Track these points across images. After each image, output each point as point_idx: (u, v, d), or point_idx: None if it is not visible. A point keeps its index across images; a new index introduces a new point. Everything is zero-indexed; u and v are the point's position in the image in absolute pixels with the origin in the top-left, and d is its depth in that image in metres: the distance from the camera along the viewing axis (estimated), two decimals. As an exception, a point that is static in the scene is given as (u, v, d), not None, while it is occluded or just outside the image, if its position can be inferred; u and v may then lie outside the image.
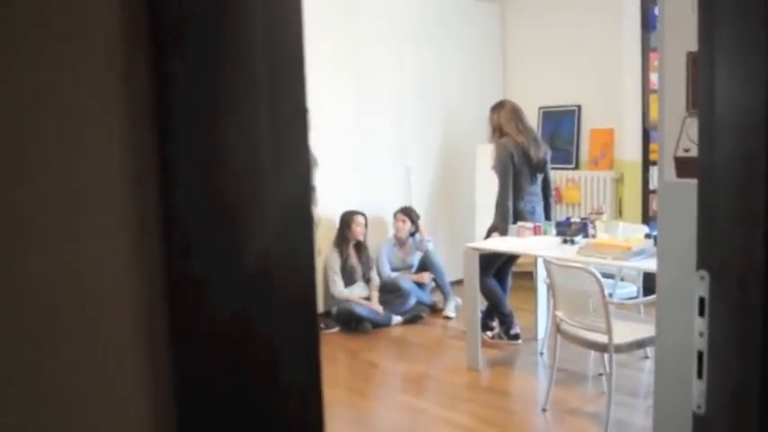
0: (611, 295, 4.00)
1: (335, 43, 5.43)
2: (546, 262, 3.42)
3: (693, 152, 1.73)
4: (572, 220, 4.24)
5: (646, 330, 3.25)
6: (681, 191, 1.75)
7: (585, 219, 4.24)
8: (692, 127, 1.71)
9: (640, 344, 3.21)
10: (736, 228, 1.11)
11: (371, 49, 5.68)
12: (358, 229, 5.33)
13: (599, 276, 3.08)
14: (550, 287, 3.52)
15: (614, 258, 3.49)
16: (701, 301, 1.15)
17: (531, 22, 6.56)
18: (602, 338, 3.14)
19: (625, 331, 3.22)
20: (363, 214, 5.41)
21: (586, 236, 4.08)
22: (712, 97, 1.11)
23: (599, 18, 5.93)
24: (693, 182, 1.83)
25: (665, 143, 1.77)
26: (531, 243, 4.11)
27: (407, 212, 5.64)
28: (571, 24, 6.17)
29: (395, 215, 5.64)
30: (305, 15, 0.62)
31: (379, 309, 5.19)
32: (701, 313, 1.15)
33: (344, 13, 5.48)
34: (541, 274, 4.61)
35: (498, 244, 4.19)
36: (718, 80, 1.10)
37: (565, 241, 4.03)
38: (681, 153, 1.74)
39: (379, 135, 5.80)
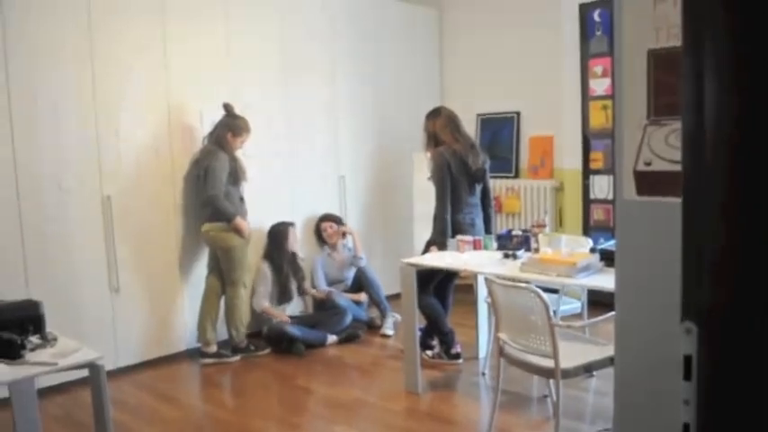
0: (554, 313, 3.80)
1: (264, 43, 5.11)
2: (487, 280, 3.17)
3: (656, 166, 1.50)
4: (513, 232, 4.03)
5: (594, 352, 3.05)
6: (642, 210, 1.52)
7: (527, 231, 4.03)
8: (655, 136, 1.48)
9: (588, 368, 3.00)
10: (734, 260, 0.86)
11: (302, 51, 5.38)
12: (292, 241, 5.02)
13: (544, 297, 2.85)
14: (492, 306, 3.28)
15: (559, 275, 3.28)
16: (687, 360, 0.91)
17: (469, 28, 6.39)
18: (549, 363, 2.91)
19: (572, 354, 3.01)
20: (294, 225, 5.10)
21: (528, 249, 3.87)
22: (700, 100, 0.86)
23: (538, 24, 5.79)
24: (657, 200, 1.61)
25: (622, 155, 1.53)
26: (471, 258, 3.87)
27: (331, 218, 5.42)
28: (510, 30, 6.02)
29: (319, 225, 5.40)
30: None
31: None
32: (688, 376, 0.91)
33: (274, 12, 5.16)
34: (482, 291, 4.38)
35: (436, 260, 3.93)
36: (709, 79, 0.85)
37: (506, 256, 3.81)
38: (641, 167, 1.51)
39: (310, 141, 5.50)
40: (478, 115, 6.34)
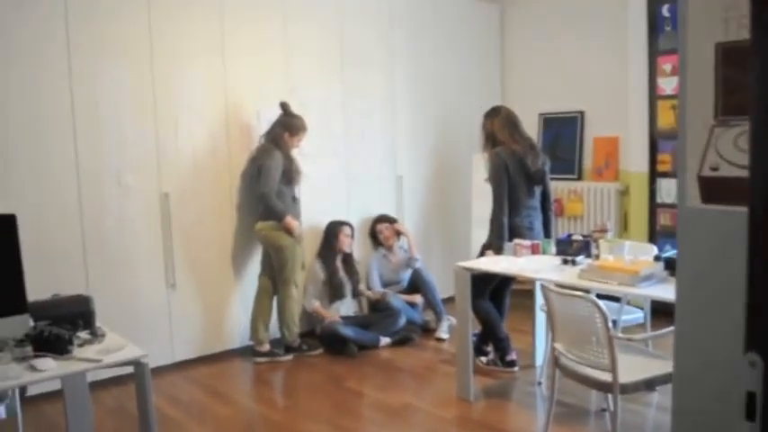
0: (615, 323, 3.63)
1: (322, 42, 5.09)
2: (543, 287, 3.04)
3: (723, 171, 1.37)
4: (574, 237, 3.87)
5: (655, 367, 2.88)
6: (707, 220, 1.39)
7: (588, 237, 3.86)
8: (723, 139, 1.35)
9: (650, 383, 2.83)
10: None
11: (360, 49, 5.33)
12: (346, 241, 4.99)
13: (602, 307, 2.70)
14: (547, 315, 3.15)
15: (620, 284, 3.11)
16: (751, 397, 0.79)
17: (532, 24, 6.22)
18: (606, 377, 2.77)
19: (632, 368, 2.85)
20: (350, 225, 5.07)
21: (589, 255, 3.71)
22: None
23: (604, 20, 5.59)
24: (724, 209, 1.47)
25: (686, 159, 1.40)
26: (528, 263, 3.74)
27: (386, 219, 5.38)
28: (574, 26, 5.83)
29: (375, 227, 5.36)
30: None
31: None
32: (751, 415, 0.79)
33: (332, 10, 5.13)
34: (541, 297, 4.24)
35: (492, 264, 3.81)
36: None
37: (565, 261, 3.66)
38: (707, 172, 1.38)
39: (367, 140, 5.45)
40: (541, 115, 6.16)
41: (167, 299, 4.40)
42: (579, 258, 3.67)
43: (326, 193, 5.18)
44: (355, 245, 5.17)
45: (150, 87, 4.24)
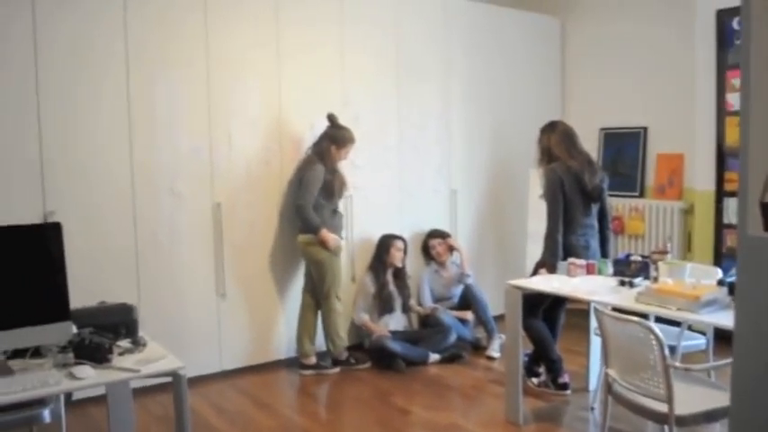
0: (672, 350, 3.45)
1: (380, 55, 5.07)
2: (596, 310, 2.91)
3: (790, 197, 1.25)
4: (632, 258, 3.71)
5: (717, 399, 2.71)
6: (769, 249, 1.27)
7: (647, 258, 3.69)
8: (789, 162, 1.23)
9: (709, 416, 2.66)
10: None
11: (416, 60, 5.29)
12: (397, 255, 4.93)
13: (659, 333, 2.56)
14: (601, 339, 3.00)
15: (679, 309, 2.95)
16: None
17: (593, 37, 6.06)
18: (662, 407, 2.61)
19: (690, 399, 2.69)
20: (403, 239, 5.01)
21: (647, 277, 3.55)
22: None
23: (669, 32, 5.39)
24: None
25: (748, 184, 1.29)
26: (582, 283, 3.59)
27: (439, 234, 5.28)
28: (638, 39, 5.65)
29: (427, 242, 5.28)
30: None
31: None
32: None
33: (389, 21, 5.11)
34: (594, 320, 4.09)
35: (544, 283, 3.68)
36: None
37: (622, 283, 3.50)
38: (771, 197, 1.26)
39: (422, 153, 5.38)
40: (601, 130, 5.98)
41: (217, 308, 4.42)
42: (637, 280, 3.51)
43: (379, 205, 5.14)
44: (408, 259, 5.10)
45: (205, 99, 4.29)
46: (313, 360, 4.59)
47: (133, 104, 4.02)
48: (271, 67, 4.55)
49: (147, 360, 2.31)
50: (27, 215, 3.70)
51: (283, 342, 4.74)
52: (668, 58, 5.41)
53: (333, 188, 4.47)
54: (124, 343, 2.49)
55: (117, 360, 2.31)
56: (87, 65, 3.86)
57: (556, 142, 4.04)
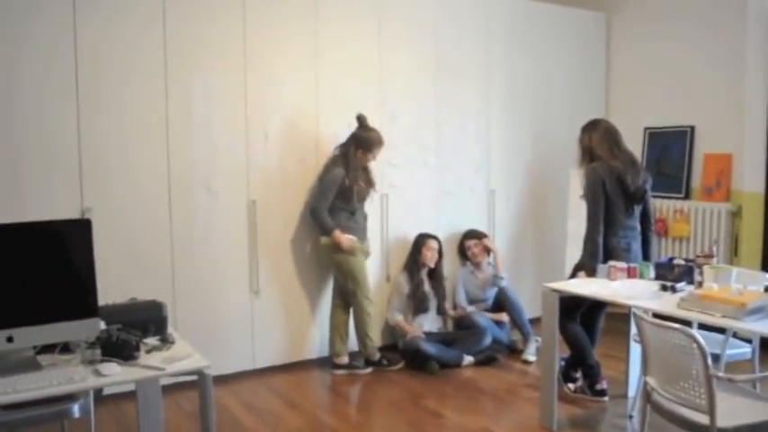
0: (716, 359, 3.31)
1: (418, 53, 5.01)
2: (635, 316, 2.80)
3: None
4: (675, 261, 3.57)
5: (761, 411, 2.58)
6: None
7: (691, 261, 3.56)
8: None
9: (753, 429, 2.53)
10: None
11: (455, 58, 5.21)
12: (428, 254, 4.86)
13: (701, 342, 2.44)
14: (641, 346, 2.89)
15: (724, 316, 2.82)
16: None
17: (640, 33, 5.89)
18: (703, 419, 2.50)
19: (734, 410, 2.57)
20: (436, 238, 4.93)
21: (691, 282, 3.41)
22: None
23: (718, 30, 5.20)
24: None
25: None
26: (622, 287, 3.47)
27: (476, 235, 5.19)
28: (686, 34, 5.47)
29: (464, 243, 5.20)
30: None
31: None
32: None
33: (428, 20, 5.04)
34: (634, 325, 3.96)
35: (582, 286, 3.57)
36: None
37: (664, 288, 3.37)
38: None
39: (460, 153, 5.31)
40: (646, 129, 5.81)
41: (251, 306, 4.42)
42: (680, 285, 3.37)
43: (415, 205, 5.08)
44: (444, 260, 5.02)
45: (242, 96, 4.29)
46: (345, 360, 4.56)
47: (171, 101, 4.04)
48: (308, 63, 4.53)
49: (174, 358, 2.30)
50: (65, 211, 3.76)
51: (316, 341, 4.72)
52: (717, 56, 5.23)
53: (351, 192, 4.40)
54: (152, 340, 2.49)
55: (144, 357, 2.30)
56: (125, 61, 3.89)
57: (598, 141, 3.92)
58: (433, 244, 4.88)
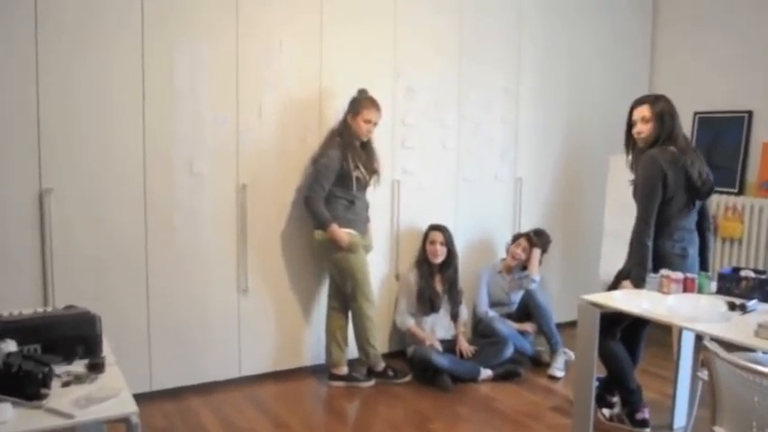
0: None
1: (437, 20, 4.38)
2: (704, 350, 2.18)
3: None
4: (743, 273, 2.94)
5: None
6: None
7: (762, 273, 2.92)
8: None
9: None
10: None
11: (482, 30, 4.57)
12: (431, 248, 4.23)
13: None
14: (708, 385, 2.27)
15: (821, 353, 2.19)
16: None
17: (691, 5, 5.20)
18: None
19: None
20: (443, 229, 4.27)
21: (765, 299, 2.78)
22: None
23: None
24: None
25: None
26: (678, 304, 2.82)
27: (528, 238, 4.52)
28: (743, 10, 4.79)
29: (515, 240, 4.56)
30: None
31: (468, 349, 4.19)
32: None
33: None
34: (688, 339, 3.34)
35: (629, 301, 2.94)
36: None
37: (732, 307, 2.74)
38: None
39: (484, 136, 4.68)
40: (696, 113, 5.13)
41: (237, 305, 3.86)
42: (751, 304, 2.75)
43: (431, 192, 4.48)
44: (462, 257, 4.41)
45: (234, 64, 3.71)
46: (344, 370, 3.98)
47: (148, 67, 3.47)
48: (313, 34, 3.92)
49: (95, 397, 1.73)
50: (20, 193, 3.22)
51: (312, 346, 4.14)
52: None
53: (350, 178, 3.80)
54: (78, 366, 1.92)
55: (55, 395, 1.73)
56: (91, 22, 3.31)
57: (676, 119, 3.25)
58: (437, 236, 4.23)
